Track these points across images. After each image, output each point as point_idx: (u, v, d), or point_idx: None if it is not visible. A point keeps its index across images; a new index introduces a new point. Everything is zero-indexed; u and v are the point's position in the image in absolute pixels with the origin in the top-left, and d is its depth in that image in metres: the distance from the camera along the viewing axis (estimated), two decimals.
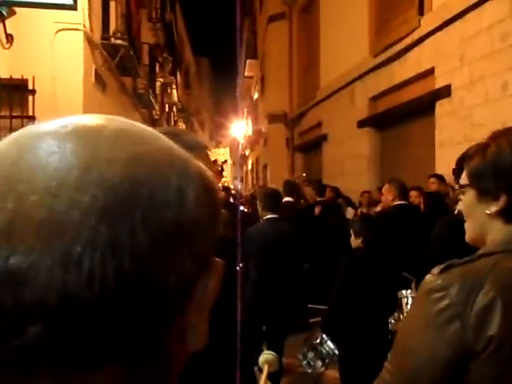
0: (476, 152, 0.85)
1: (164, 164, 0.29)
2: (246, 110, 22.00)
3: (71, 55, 5.64)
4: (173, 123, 18.64)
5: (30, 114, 5.45)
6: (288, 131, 12.09)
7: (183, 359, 0.33)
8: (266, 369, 1.41)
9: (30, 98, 5.45)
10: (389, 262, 2.69)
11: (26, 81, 5.45)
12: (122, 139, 0.29)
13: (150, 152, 0.29)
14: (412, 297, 2.01)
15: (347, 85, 8.08)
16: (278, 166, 12.16)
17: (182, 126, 22.39)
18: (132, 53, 6.88)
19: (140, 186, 0.27)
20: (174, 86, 18.03)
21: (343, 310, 2.49)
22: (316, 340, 2.51)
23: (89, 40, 5.94)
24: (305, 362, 2.45)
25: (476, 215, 0.85)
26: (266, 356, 1.69)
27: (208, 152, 0.93)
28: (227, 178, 27.31)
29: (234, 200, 8.35)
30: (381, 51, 6.75)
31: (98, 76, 6.42)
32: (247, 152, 23.03)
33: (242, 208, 7.21)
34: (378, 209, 4.52)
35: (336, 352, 2.45)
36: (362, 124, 7.47)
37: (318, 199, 5.40)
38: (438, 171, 4.98)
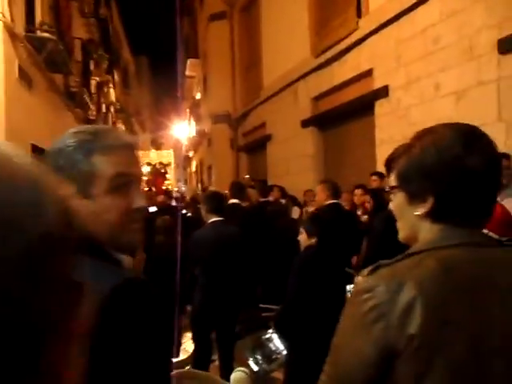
0: (402, 153, 0.85)
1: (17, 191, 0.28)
2: (188, 110, 21.56)
3: None
4: (111, 124, 17.74)
5: None
6: (232, 131, 11.97)
7: None
8: None
9: None
10: (338, 259, 2.73)
11: None
12: None
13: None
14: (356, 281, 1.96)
15: (290, 84, 8.12)
16: (223, 167, 12.00)
17: (120, 127, 21.42)
18: (62, 47, 6.34)
19: None
20: (110, 85, 17.17)
21: (298, 307, 2.48)
22: (265, 335, 2.52)
23: (9, 31, 5.37)
24: (252, 360, 2.43)
25: (406, 216, 0.86)
26: (237, 373, 1.62)
27: (136, 151, 0.84)
28: (171, 181, 26.61)
29: (176, 203, 8.04)
30: (322, 51, 6.84)
31: (22, 71, 5.84)
32: (191, 153, 22.59)
33: (184, 212, 6.96)
34: (311, 208, 4.59)
35: (283, 352, 2.43)
36: (305, 124, 7.54)
37: (262, 200, 5.38)
38: (379, 169, 5.11)
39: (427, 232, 0.82)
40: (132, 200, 0.79)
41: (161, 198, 7.79)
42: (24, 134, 5.79)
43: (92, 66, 12.27)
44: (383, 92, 5.36)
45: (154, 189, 20.07)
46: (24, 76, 5.96)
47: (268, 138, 9.37)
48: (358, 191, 4.58)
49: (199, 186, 15.63)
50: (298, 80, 7.83)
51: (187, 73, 18.05)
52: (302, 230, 2.72)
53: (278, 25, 8.69)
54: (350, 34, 6.06)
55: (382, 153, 5.44)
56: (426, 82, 4.70)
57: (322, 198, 3.78)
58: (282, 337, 2.48)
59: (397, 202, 0.87)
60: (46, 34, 5.98)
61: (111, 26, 18.19)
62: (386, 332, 0.72)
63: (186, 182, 25.85)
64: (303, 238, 2.69)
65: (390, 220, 2.51)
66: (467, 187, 0.77)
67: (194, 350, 3.37)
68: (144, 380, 0.67)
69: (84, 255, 0.52)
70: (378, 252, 2.25)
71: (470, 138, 0.79)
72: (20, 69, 5.73)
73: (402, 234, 0.89)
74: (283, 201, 6.10)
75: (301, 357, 2.41)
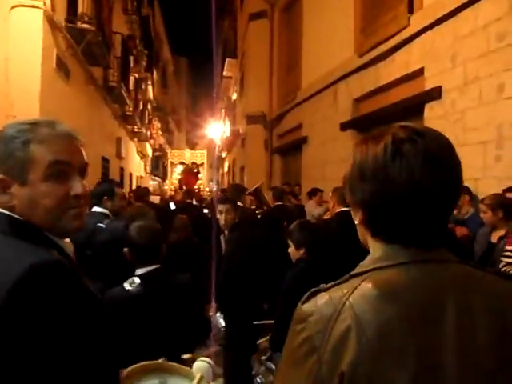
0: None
1: None
2: (223, 110, 21.53)
3: (28, 35, 5.02)
4: (147, 121, 17.93)
5: None
6: (267, 133, 11.69)
7: None
8: (198, 377, 1.41)
9: None
10: (334, 272, 2.38)
11: None
12: None
13: None
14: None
15: (330, 85, 7.75)
16: (256, 168, 11.74)
17: (157, 124, 21.68)
18: (100, 39, 6.29)
19: None
20: (149, 83, 17.36)
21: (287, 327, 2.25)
22: (263, 356, 2.49)
23: (49, 20, 5.33)
24: (258, 378, 2.45)
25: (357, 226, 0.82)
26: (199, 363, 1.57)
27: (77, 141, 0.87)
28: (203, 181, 26.75)
29: (198, 202, 7.89)
30: (367, 50, 6.44)
31: (60, 62, 5.81)
32: (224, 154, 22.53)
33: (205, 211, 6.88)
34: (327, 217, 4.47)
35: None
36: (344, 127, 7.14)
37: (276, 203, 5.41)
38: None
39: (372, 249, 0.76)
40: (70, 187, 0.82)
41: (179, 195, 7.67)
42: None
43: (131, 63, 12.36)
44: (435, 93, 4.90)
45: (185, 188, 20.14)
46: (62, 66, 5.93)
47: (304, 140, 9.02)
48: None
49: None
50: (338, 80, 7.45)
51: (224, 73, 17.98)
52: (289, 241, 2.54)
53: (321, 24, 8.34)
54: (399, 31, 5.62)
55: None
56: (487, 82, 4.22)
57: (330, 205, 3.71)
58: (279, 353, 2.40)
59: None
60: (86, 25, 5.93)
61: (152, 24, 18.43)
62: (317, 368, 0.65)
63: (217, 183, 25.89)
64: (292, 250, 2.53)
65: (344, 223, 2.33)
66: (394, 200, 0.69)
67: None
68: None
69: (8, 236, 0.71)
70: None
71: (403, 145, 0.70)
72: (58, 59, 5.70)
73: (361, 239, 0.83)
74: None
75: None
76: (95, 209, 2.95)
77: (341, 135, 7.30)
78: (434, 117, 5.01)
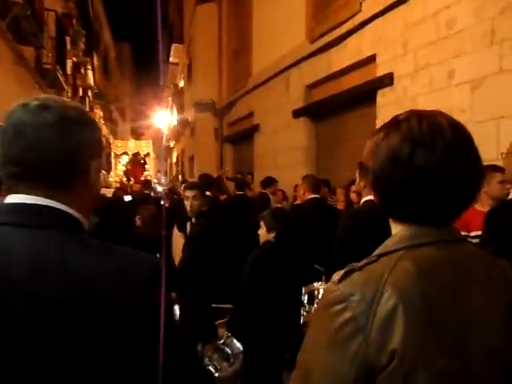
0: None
1: None
2: (170, 98, 20.80)
3: None
4: (88, 109, 16.81)
5: None
6: (217, 121, 11.39)
7: None
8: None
9: None
10: (298, 256, 2.65)
11: None
12: None
13: None
14: (323, 288, 2.08)
15: (282, 72, 7.62)
16: (206, 157, 11.43)
17: (98, 113, 20.46)
18: (29, 13, 5.63)
19: None
20: (88, 67, 16.24)
21: (251, 306, 2.44)
22: (220, 341, 2.51)
23: None
24: (211, 365, 2.46)
25: None
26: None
27: None
28: (150, 172, 25.82)
29: (155, 194, 7.69)
30: (318, 36, 6.36)
31: None
32: (172, 144, 21.84)
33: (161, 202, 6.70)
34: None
35: (241, 350, 2.43)
36: (297, 114, 7.07)
37: (238, 193, 5.36)
38: None
39: (395, 228, 0.78)
40: None
41: (137, 187, 7.44)
42: None
43: (68, 44, 11.42)
44: (387, 80, 4.92)
45: (133, 179, 19.32)
46: None
47: (256, 128, 8.85)
48: (354, 187, 4.16)
49: (179, 177, 14.98)
50: (290, 67, 7.34)
51: (171, 59, 17.30)
52: (261, 223, 2.64)
53: (272, 9, 8.16)
54: (351, 17, 5.58)
55: None
56: (437, 69, 4.28)
57: (301, 192, 3.79)
58: (237, 337, 2.47)
59: None
60: None
61: (91, 4, 17.22)
62: (364, 348, 0.65)
63: (165, 174, 25.12)
64: (262, 232, 2.63)
65: (359, 218, 2.43)
66: (411, 184, 0.73)
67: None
68: None
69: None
70: (344, 251, 2.31)
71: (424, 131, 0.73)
72: None
73: None
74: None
75: (258, 353, 2.40)
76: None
77: (293, 122, 7.22)
78: (386, 103, 5.04)
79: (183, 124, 15.56)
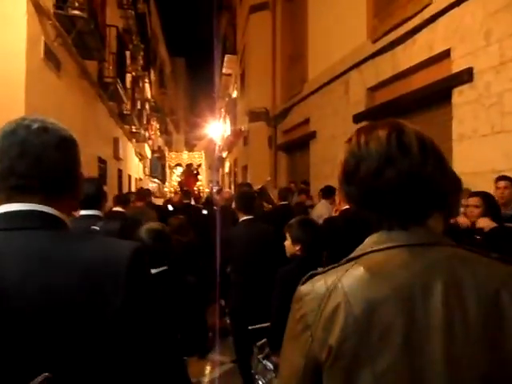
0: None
1: None
2: (223, 109, 21.04)
3: (11, 21, 4.51)
4: (145, 121, 17.42)
5: None
6: (270, 129, 11.19)
7: None
8: None
9: None
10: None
11: None
12: None
13: None
14: None
15: (340, 75, 7.25)
16: (260, 167, 11.23)
17: (155, 125, 21.17)
18: (93, 27, 5.78)
19: None
20: (146, 80, 16.85)
21: (285, 322, 2.00)
22: (261, 355, 2.54)
23: (35, 5, 4.82)
24: (258, 378, 2.50)
25: None
26: None
27: None
28: (202, 182, 26.24)
29: (195, 202, 7.81)
30: (382, 35, 5.94)
31: (48, 51, 5.30)
32: (224, 154, 22.04)
33: (204, 212, 6.75)
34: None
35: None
36: (358, 118, 6.64)
37: (282, 203, 5.49)
38: (457, 169, 4.17)
39: (367, 239, 0.79)
40: None
41: (177, 197, 7.57)
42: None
43: (128, 60, 11.85)
44: (466, 76, 4.39)
45: (184, 189, 19.56)
46: (51, 56, 5.42)
47: (312, 135, 8.51)
48: None
49: (232, 187, 14.95)
50: (350, 69, 6.95)
51: (224, 70, 17.50)
52: (287, 234, 2.50)
53: (328, 11, 7.85)
54: (420, 10, 5.12)
55: (463, 150, 4.48)
56: None
57: (337, 202, 3.68)
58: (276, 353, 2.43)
59: None
60: (76, 12, 5.43)
61: (149, 22, 17.94)
62: (310, 344, 0.71)
63: (217, 184, 25.41)
64: (288, 244, 2.51)
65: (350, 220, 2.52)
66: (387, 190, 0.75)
67: (234, 343, 3.52)
68: None
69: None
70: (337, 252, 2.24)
71: (369, 136, 0.78)
72: (46, 48, 5.18)
73: None
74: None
75: None
76: (85, 212, 2.53)
77: (354, 128, 6.75)
78: (464, 102, 4.51)
79: (236, 134, 15.58)
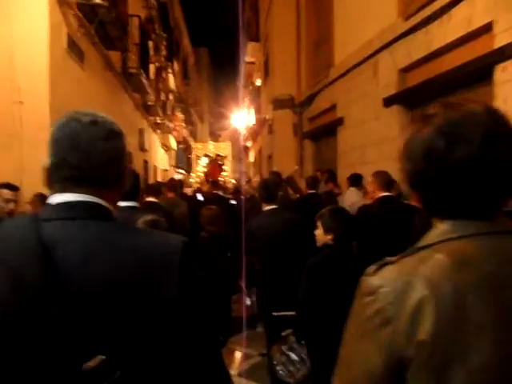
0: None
1: None
2: (247, 98, 20.84)
3: (33, 11, 4.47)
4: (169, 112, 17.46)
5: None
6: (296, 117, 10.92)
7: None
8: None
9: None
10: (361, 258, 2.56)
11: None
12: None
13: None
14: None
15: (369, 57, 6.92)
16: (285, 155, 11.01)
17: (180, 116, 21.23)
18: (114, 15, 5.70)
19: None
20: (169, 71, 16.82)
21: (312, 312, 2.38)
22: (285, 345, 2.49)
23: None
24: (280, 368, 2.45)
25: None
26: None
27: None
28: (228, 173, 26.23)
29: (223, 194, 7.91)
30: (415, 11, 5.58)
31: (71, 42, 5.27)
32: (249, 144, 21.89)
33: (233, 202, 6.78)
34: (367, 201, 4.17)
35: (305, 356, 2.40)
36: (388, 102, 6.33)
37: (309, 191, 5.38)
38: None
39: (435, 223, 0.76)
40: None
41: (206, 187, 7.67)
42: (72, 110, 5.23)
43: (151, 50, 11.81)
44: (510, 50, 4.04)
45: (211, 180, 19.59)
46: (74, 47, 5.39)
47: (339, 121, 8.22)
48: None
49: (258, 176, 14.81)
50: (379, 51, 6.61)
51: (247, 59, 17.24)
52: (318, 223, 2.46)
53: None
54: None
55: None
56: None
57: (370, 190, 3.55)
58: (303, 342, 2.44)
59: None
60: (98, 1, 5.35)
61: (171, 13, 17.85)
62: (393, 338, 0.65)
63: (242, 174, 25.37)
64: (319, 233, 2.47)
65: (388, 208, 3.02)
66: (447, 179, 0.71)
67: (266, 331, 3.51)
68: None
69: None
70: None
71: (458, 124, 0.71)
72: (69, 38, 5.16)
73: None
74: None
75: (323, 359, 2.27)
76: (124, 203, 2.52)
77: (384, 112, 6.48)
78: (508, 79, 4.16)
79: (260, 123, 15.37)
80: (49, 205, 0.84)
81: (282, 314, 2.84)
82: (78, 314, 0.73)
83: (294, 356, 2.45)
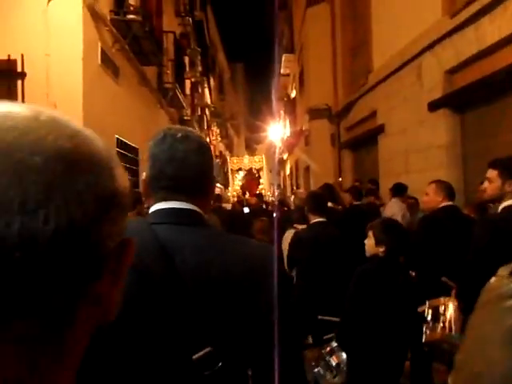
0: None
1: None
2: (282, 110, 20.71)
3: (68, 28, 4.52)
4: (206, 127, 17.62)
5: (19, 101, 4.37)
6: (333, 126, 10.59)
7: (88, 330, 0.35)
8: None
9: (19, 82, 4.39)
10: (409, 270, 2.58)
11: (14, 62, 4.39)
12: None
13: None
14: (453, 304, 2.18)
15: (411, 60, 6.52)
16: (323, 167, 10.67)
17: (216, 130, 21.42)
18: (148, 29, 5.71)
19: (82, 161, 0.32)
20: (205, 86, 17.02)
21: (357, 322, 2.34)
22: (326, 349, 2.49)
23: (91, 11, 4.82)
24: (316, 371, 2.45)
25: None
26: None
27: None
28: (264, 185, 26.08)
29: (266, 207, 8.08)
30: (462, 7, 5.17)
31: (105, 57, 5.30)
32: (285, 156, 21.67)
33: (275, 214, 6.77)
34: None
35: (345, 363, 2.37)
36: (434, 106, 5.89)
37: (355, 203, 5.20)
38: None
39: None
40: None
41: (253, 200, 7.92)
42: (107, 126, 5.23)
43: (187, 66, 11.95)
44: None
45: (248, 193, 19.64)
46: (108, 63, 5.43)
47: (380, 129, 7.81)
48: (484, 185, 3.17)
49: (294, 189, 14.50)
50: (422, 52, 6.21)
51: (282, 71, 17.18)
52: (370, 233, 2.42)
53: None
54: None
55: None
56: None
57: (436, 199, 3.37)
58: (343, 349, 2.43)
59: None
60: (131, 16, 5.39)
61: (207, 30, 18.17)
62: None
63: (279, 187, 25.15)
64: (369, 243, 2.43)
65: (497, 229, 2.39)
66: None
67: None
68: None
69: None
70: (479, 262, 2.21)
71: None
72: (103, 54, 5.19)
73: None
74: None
75: (364, 369, 2.28)
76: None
77: (429, 117, 6.04)
78: None
79: (296, 135, 15.13)
80: (155, 211, 0.93)
81: (327, 318, 2.87)
82: (193, 311, 0.81)
83: (332, 362, 2.46)
